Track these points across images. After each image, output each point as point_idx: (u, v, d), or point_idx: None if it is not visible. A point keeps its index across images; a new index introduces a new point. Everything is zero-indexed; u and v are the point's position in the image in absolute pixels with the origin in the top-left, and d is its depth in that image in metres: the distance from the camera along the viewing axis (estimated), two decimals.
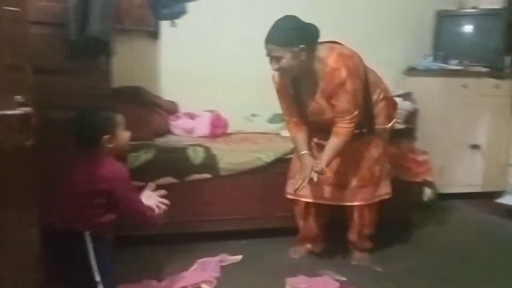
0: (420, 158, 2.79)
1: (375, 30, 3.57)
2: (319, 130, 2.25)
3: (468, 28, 3.65)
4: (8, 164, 1.15)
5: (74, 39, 1.88)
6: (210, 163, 2.47)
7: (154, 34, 3.08)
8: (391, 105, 2.39)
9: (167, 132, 2.90)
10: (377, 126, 2.28)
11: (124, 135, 1.76)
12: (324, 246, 2.49)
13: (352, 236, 2.40)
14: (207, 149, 2.52)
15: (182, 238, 2.43)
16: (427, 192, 2.83)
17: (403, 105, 3.33)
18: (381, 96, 2.30)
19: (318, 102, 2.17)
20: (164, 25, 3.07)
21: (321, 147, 2.24)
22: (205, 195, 2.47)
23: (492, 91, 3.44)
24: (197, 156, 2.46)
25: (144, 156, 2.38)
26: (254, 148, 2.64)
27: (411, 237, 2.78)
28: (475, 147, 3.47)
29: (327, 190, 2.29)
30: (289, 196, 2.37)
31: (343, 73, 2.05)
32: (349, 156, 2.24)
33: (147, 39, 3.10)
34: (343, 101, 2.08)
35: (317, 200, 2.32)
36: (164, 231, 2.35)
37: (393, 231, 2.81)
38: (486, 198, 3.46)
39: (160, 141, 2.68)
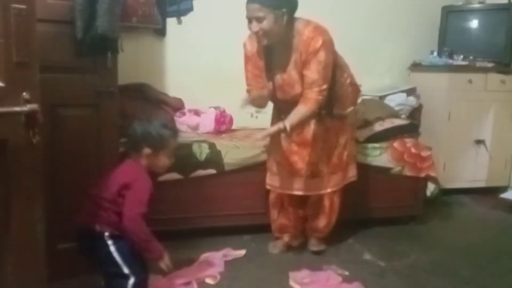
0: (424, 153, 2.79)
1: (381, 25, 3.56)
2: (285, 111, 2.24)
3: (474, 23, 3.63)
4: (14, 161, 1.17)
5: (81, 36, 1.90)
6: (215, 159, 2.49)
7: (160, 32, 3.10)
8: (356, 92, 2.45)
9: None
10: (344, 111, 2.33)
11: (164, 161, 1.81)
12: (302, 240, 2.50)
13: (320, 222, 2.42)
14: (212, 145, 2.55)
15: (187, 233, 2.46)
16: (431, 188, 2.83)
17: (407, 101, 3.34)
18: (348, 80, 2.33)
19: (290, 74, 2.18)
20: (171, 22, 3.10)
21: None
22: (210, 190, 2.49)
23: (497, 86, 3.43)
24: (202, 152, 2.49)
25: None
26: (258, 144, 2.65)
27: (415, 232, 2.79)
28: (479, 142, 3.46)
29: (300, 182, 2.31)
30: (267, 187, 2.42)
31: (319, 42, 2.08)
32: (319, 147, 2.28)
33: (154, 37, 3.12)
34: (314, 71, 2.10)
35: (289, 191, 2.34)
36: (169, 226, 2.39)
37: (397, 226, 2.82)
38: (490, 193, 3.45)
39: None
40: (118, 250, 1.65)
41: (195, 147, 2.51)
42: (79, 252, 1.75)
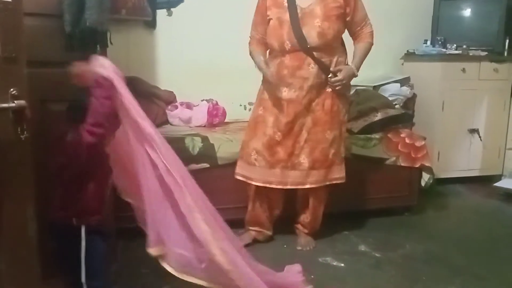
0: (418, 143, 2.79)
1: (374, 15, 3.50)
2: (296, 75, 2.21)
3: (467, 12, 3.63)
4: (3, 158, 1.15)
5: (69, 30, 1.86)
6: (208, 152, 2.47)
7: (150, 24, 3.06)
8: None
9: (165, 122, 2.90)
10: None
11: None
12: (271, 236, 2.46)
13: (306, 217, 2.41)
14: (205, 139, 2.52)
15: None
16: (425, 178, 2.84)
17: (401, 91, 3.33)
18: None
19: (312, 8, 2.17)
20: (161, 14, 3.06)
21: (291, 104, 2.22)
22: (203, 184, 2.44)
23: (491, 75, 3.43)
24: (195, 145, 2.47)
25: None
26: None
27: (410, 223, 2.80)
28: (473, 131, 3.47)
29: (278, 174, 2.27)
30: (239, 177, 2.35)
31: None
32: (303, 137, 2.25)
33: (144, 29, 3.08)
34: (359, 9, 2.26)
35: (267, 184, 2.29)
36: None
37: (392, 217, 2.83)
38: (484, 182, 3.48)
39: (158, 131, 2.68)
40: (88, 250, 1.52)
41: (187, 141, 2.48)
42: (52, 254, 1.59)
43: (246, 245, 2.30)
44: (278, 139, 2.25)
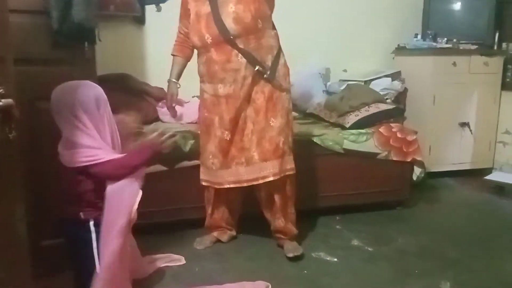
0: (410, 137, 2.80)
1: (364, 9, 3.54)
2: (227, 68, 2.09)
3: (457, 5, 3.65)
4: None
5: (57, 27, 1.83)
6: (199, 150, 2.45)
7: (139, 20, 3.03)
8: (287, 69, 2.24)
9: (156, 119, 2.87)
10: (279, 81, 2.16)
11: None
12: (234, 234, 2.43)
13: (278, 222, 2.28)
14: (196, 136, 2.50)
15: (173, 225, 2.44)
16: (417, 172, 2.85)
17: (392, 85, 3.33)
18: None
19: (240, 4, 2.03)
20: (150, 10, 3.03)
21: (229, 99, 2.11)
22: (195, 182, 2.45)
23: (481, 68, 3.45)
24: (186, 143, 2.45)
25: (133, 144, 2.35)
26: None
27: (402, 217, 2.81)
28: (464, 125, 3.49)
29: (233, 172, 2.18)
30: (204, 183, 2.28)
31: None
32: (249, 129, 2.14)
33: (133, 25, 3.05)
34: None
35: (225, 185, 2.20)
36: (155, 219, 2.37)
37: (384, 211, 2.84)
38: (475, 175, 3.50)
39: (149, 128, 2.65)
40: (98, 242, 1.59)
41: (179, 138, 2.46)
42: (63, 248, 1.70)
43: (205, 248, 2.34)
44: (227, 138, 2.15)
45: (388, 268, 2.18)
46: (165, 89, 3.00)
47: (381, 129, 2.79)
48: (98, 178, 1.59)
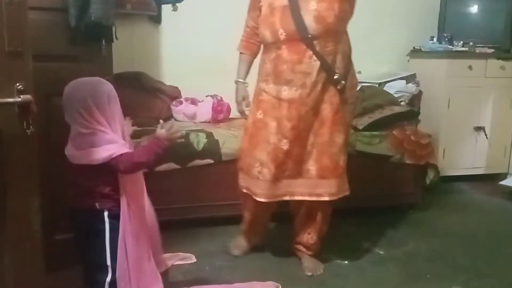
0: (423, 140, 2.78)
1: (380, 11, 3.52)
2: (296, 70, 1.89)
3: (474, 8, 3.60)
4: (9, 153, 1.15)
5: (74, 24, 1.86)
6: (212, 148, 2.47)
7: (155, 19, 3.05)
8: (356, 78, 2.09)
9: (170, 117, 2.90)
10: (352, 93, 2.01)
11: None
12: (263, 239, 2.32)
13: (310, 238, 2.13)
14: (209, 135, 2.52)
15: (185, 223, 2.45)
16: (430, 175, 2.82)
17: (407, 88, 3.31)
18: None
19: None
20: (166, 9, 3.05)
21: (293, 104, 1.91)
22: (207, 180, 2.48)
23: (497, 72, 3.41)
24: (199, 141, 2.47)
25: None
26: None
27: (414, 220, 2.79)
28: (479, 129, 3.45)
29: (284, 185, 1.99)
30: (244, 190, 2.09)
31: None
32: (310, 141, 1.96)
33: (149, 24, 3.08)
34: None
35: (273, 199, 2.01)
36: (167, 216, 2.38)
37: (396, 214, 2.82)
38: (489, 180, 3.46)
39: (161, 124, 2.68)
40: (111, 234, 1.58)
41: (192, 137, 2.48)
42: (74, 241, 1.68)
43: (241, 253, 2.24)
44: (285, 147, 1.94)
45: (399, 271, 2.16)
46: (179, 88, 3.04)
47: (395, 132, 2.78)
48: (114, 172, 1.58)
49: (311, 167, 1.96)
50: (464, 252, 2.37)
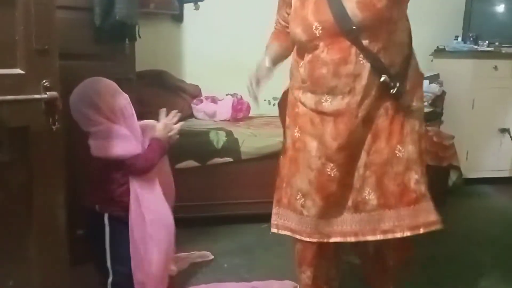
0: (446, 142, 2.73)
1: None
2: (341, 73, 1.42)
3: (500, 8, 3.53)
4: (35, 148, 1.18)
5: (99, 23, 1.90)
6: (232, 147, 2.48)
7: (177, 18, 3.08)
8: (421, 76, 1.65)
9: (190, 115, 2.93)
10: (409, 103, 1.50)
11: None
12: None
13: (382, 285, 1.70)
14: (229, 133, 2.53)
15: (204, 221, 2.47)
16: (453, 177, 2.78)
17: (430, 88, 3.26)
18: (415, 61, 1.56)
19: None
20: (188, 8, 3.08)
21: (340, 117, 1.45)
22: (226, 178, 2.49)
23: None
24: (219, 140, 2.48)
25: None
26: (275, 132, 2.62)
27: None
28: (504, 131, 3.37)
29: (339, 221, 1.51)
30: (280, 231, 1.61)
31: None
32: (362, 161, 1.47)
33: (171, 23, 3.11)
34: None
35: (325, 239, 1.53)
36: (186, 214, 2.40)
37: None
38: None
39: (183, 124, 2.70)
40: (113, 238, 1.57)
41: (212, 135, 2.49)
42: (84, 237, 1.70)
43: None
44: (333, 174, 1.48)
45: (419, 274, 2.12)
46: (200, 86, 3.07)
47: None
48: (127, 171, 1.56)
49: (369, 196, 1.47)
50: (487, 256, 2.31)
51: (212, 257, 2.19)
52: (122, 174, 1.58)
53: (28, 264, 1.23)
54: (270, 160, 2.51)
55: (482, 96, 3.28)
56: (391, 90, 1.44)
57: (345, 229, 1.51)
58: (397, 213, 1.47)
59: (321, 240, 1.54)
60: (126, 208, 1.57)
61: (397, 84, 1.44)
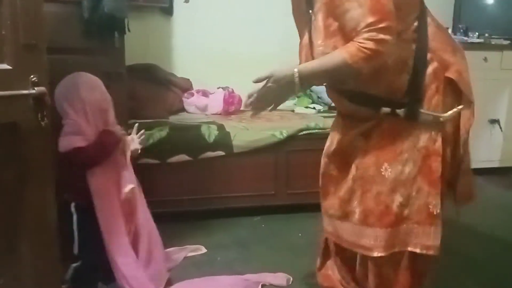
0: None
1: None
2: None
3: None
4: (24, 144, 1.17)
5: (88, 16, 1.88)
6: (223, 140, 2.47)
7: (167, 11, 3.05)
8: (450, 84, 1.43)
9: (181, 109, 2.91)
10: (424, 111, 1.37)
11: None
12: None
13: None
14: (220, 127, 2.52)
15: (196, 215, 2.47)
16: None
17: None
18: (435, 64, 1.39)
19: (316, 16, 1.35)
20: (178, 1, 3.05)
21: (339, 119, 1.54)
22: (218, 172, 2.48)
23: None
24: (210, 133, 2.47)
25: (158, 133, 2.39)
26: (267, 125, 2.63)
27: None
28: (494, 122, 3.40)
29: (333, 223, 1.55)
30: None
31: None
32: (351, 174, 1.45)
33: (161, 16, 3.07)
34: (351, 8, 1.23)
35: (327, 236, 1.64)
36: (178, 208, 2.40)
37: None
38: (504, 173, 3.41)
39: (174, 118, 2.70)
40: (78, 225, 1.62)
41: (203, 129, 2.49)
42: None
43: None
44: (334, 172, 1.52)
45: None
46: (191, 80, 3.05)
47: None
48: (77, 165, 1.59)
49: (355, 208, 1.45)
50: (477, 246, 2.34)
51: (205, 250, 2.19)
52: (74, 166, 1.60)
53: (19, 261, 1.22)
54: (262, 153, 2.52)
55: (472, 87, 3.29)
56: (399, 115, 1.37)
57: (340, 233, 1.52)
58: (374, 233, 1.40)
59: (331, 237, 1.60)
60: (89, 199, 1.59)
61: (405, 107, 1.36)
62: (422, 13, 1.40)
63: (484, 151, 3.42)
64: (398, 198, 1.39)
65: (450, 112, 1.38)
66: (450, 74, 1.41)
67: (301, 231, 2.46)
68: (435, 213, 1.40)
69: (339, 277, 1.71)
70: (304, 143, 2.54)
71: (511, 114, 3.41)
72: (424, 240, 1.41)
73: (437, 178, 1.38)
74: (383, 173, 1.39)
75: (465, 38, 3.36)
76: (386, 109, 1.37)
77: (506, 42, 3.34)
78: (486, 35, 3.36)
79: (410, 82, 1.36)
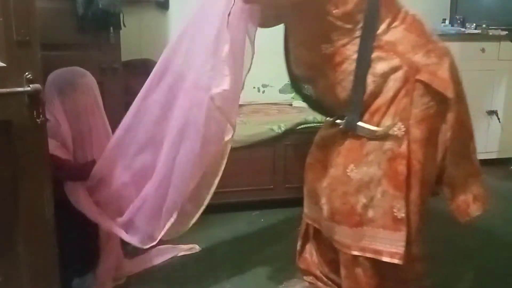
0: None
1: None
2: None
3: None
4: (19, 142, 1.16)
5: (82, 12, 1.86)
6: None
7: (163, 5, 3.03)
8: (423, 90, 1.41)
9: None
10: (361, 124, 1.39)
11: None
12: None
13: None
14: None
15: None
16: None
17: None
18: (405, 68, 1.38)
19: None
20: None
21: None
22: None
23: (511, 55, 3.33)
24: None
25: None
26: (265, 119, 2.62)
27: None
28: (491, 113, 3.39)
29: (313, 207, 1.61)
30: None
31: None
32: (323, 172, 1.50)
33: (156, 10, 3.05)
34: None
35: (308, 220, 1.70)
36: None
37: None
38: (502, 164, 3.42)
39: None
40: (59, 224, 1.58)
41: None
42: None
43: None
44: (317, 164, 1.58)
45: None
46: None
47: None
48: None
49: (324, 205, 1.48)
50: (472, 237, 2.34)
51: (200, 249, 2.18)
52: None
53: (17, 259, 1.22)
54: (260, 147, 2.52)
55: (469, 78, 3.24)
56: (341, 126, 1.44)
57: (319, 217, 1.55)
58: (342, 230, 1.43)
59: (309, 222, 1.69)
60: (64, 195, 1.57)
61: (344, 119, 1.42)
62: (370, 27, 1.43)
63: (482, 142, 3.42)
64: (362, 199, 1.38)
65: (384, 128, 1.36)
66: (421, 76, 1.40)
67: (300, 225, 2.46)
68: (399, 217, 1.35)
69: (316, 261, 1.72)
70: (302, 137, 2.53)
71: (509, 105, 3.40)
72: (388, 247, 1.37)
73: (402, 182, 1.35)
74: (348, 173, 1.39)
75: (463, 29, 3.35)
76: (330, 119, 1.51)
77: (504, 33, 3.32)
78: (484, 26, 3.35)
79: (350, 97, 1.40)
